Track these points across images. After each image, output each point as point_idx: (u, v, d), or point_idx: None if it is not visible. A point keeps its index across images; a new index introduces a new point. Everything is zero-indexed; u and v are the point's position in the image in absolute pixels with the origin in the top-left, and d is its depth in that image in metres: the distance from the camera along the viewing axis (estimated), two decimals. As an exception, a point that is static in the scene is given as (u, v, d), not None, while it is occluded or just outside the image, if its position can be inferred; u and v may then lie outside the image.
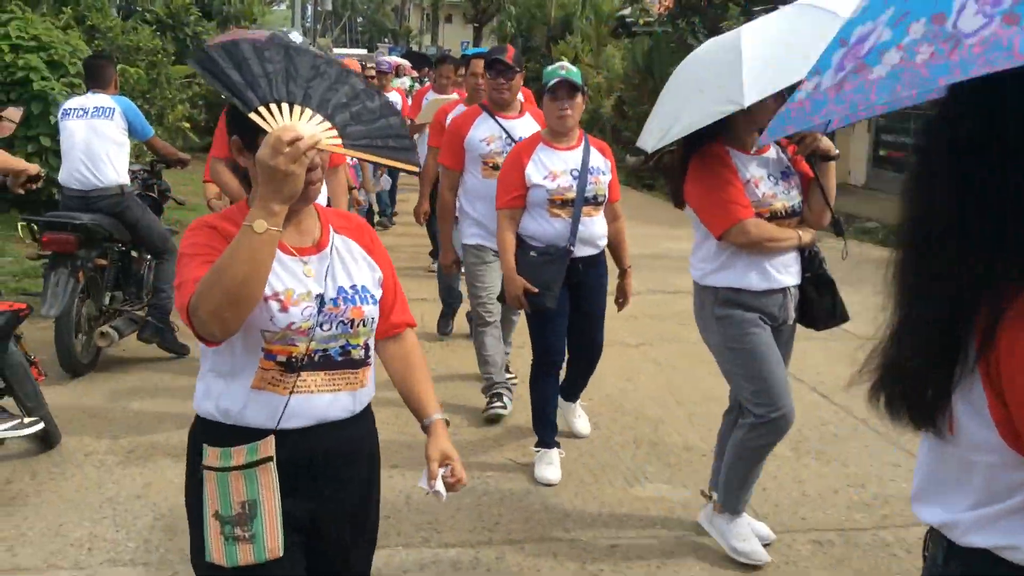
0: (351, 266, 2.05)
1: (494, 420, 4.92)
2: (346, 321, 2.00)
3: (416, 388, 2.25)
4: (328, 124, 1.83)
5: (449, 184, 4.98)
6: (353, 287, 2.03)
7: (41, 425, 4.22)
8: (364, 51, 63.66)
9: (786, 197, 3.33)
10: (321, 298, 1.95)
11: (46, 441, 4.45)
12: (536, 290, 4.06)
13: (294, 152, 1.70)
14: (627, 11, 20.82)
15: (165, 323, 5.81)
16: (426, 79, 18.68)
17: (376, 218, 10.05)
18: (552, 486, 4.16)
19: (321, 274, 1.98)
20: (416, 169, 2.01)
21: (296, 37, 3.94)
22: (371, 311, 2.06)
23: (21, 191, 4.28)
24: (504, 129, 4.85)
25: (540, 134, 4.26)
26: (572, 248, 4.10)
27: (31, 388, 4.24)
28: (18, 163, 4.15)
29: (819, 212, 3.38)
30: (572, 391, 4.68)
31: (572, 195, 4.10)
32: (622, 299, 4.50)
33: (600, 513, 3.95)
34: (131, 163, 6.02)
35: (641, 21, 19.12)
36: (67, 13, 12.08)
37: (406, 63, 20.04)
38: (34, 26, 9.25)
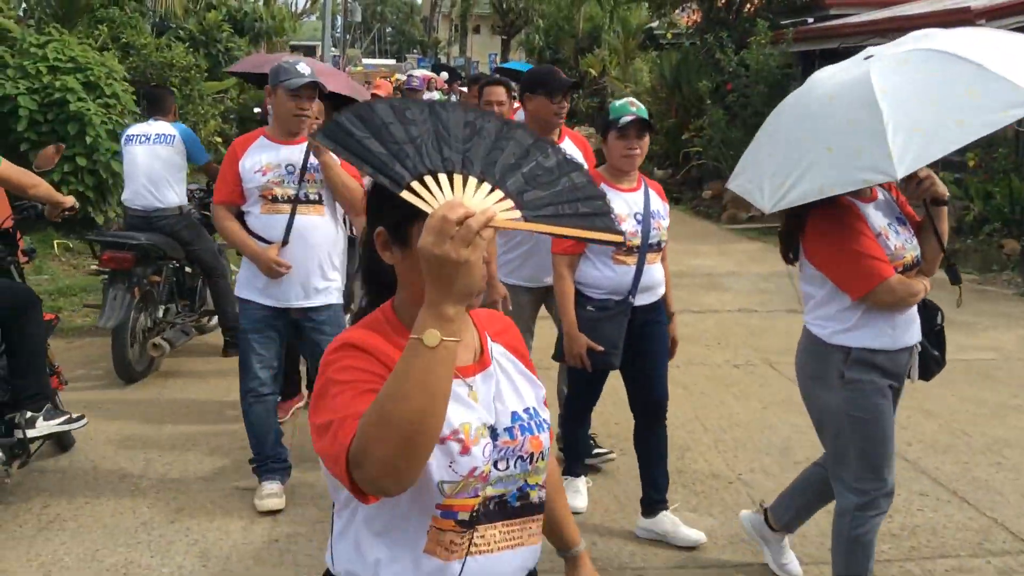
0: (518, 383, 1.67)
1: None
2: (524, 456, 1.62)
3: (559, 514, 1.86)
4: (500, 193, 1.45)
5: None
6: (527, 411, 1.66)
7: (85, 421, 4.43)
8: (392, 61, 64.20)
9: (912, 247, 3.10)
10: (493, 429, 1.57)
11: (62, 444, 4.74)
12: (601, 348, 3.77)
13: (465, 234, 1.31)
14: (655, 24, 20.83)
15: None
16: (454, 95, 18.80)
17: None
18: (579, 514, 4.19)
19: (488, 398, 1.61)
20: (621, 239, 1.54)
21: (304, 69, 4.00)
22: (547, 440, 1.67)
23: (58, 220, 4.55)
24: None
25: (600, 173, 3.91)
26: (633, 299, 3.83)
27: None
28: (59, 196, 4.41)
29: (933, 260, 3.16)
30: (657, 494, 4.02)
31: (637, 241, 3.81)
32: (670, 347, 4.13)
33: (626, 542, 3.97)
34: (189, 183, 6.48)
35: (669, 35, 19.12)
36: (103, 32, 12.31)
37: (434, 76, 20.16)
38: (71, 48, 9.42)
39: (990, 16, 10.38)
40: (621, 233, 1.54)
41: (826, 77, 3.13)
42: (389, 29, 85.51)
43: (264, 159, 4.08)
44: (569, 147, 4.53)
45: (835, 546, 3.24)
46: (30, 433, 4.11)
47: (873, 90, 2.82)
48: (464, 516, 1.54)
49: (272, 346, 4.20)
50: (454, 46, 57.27)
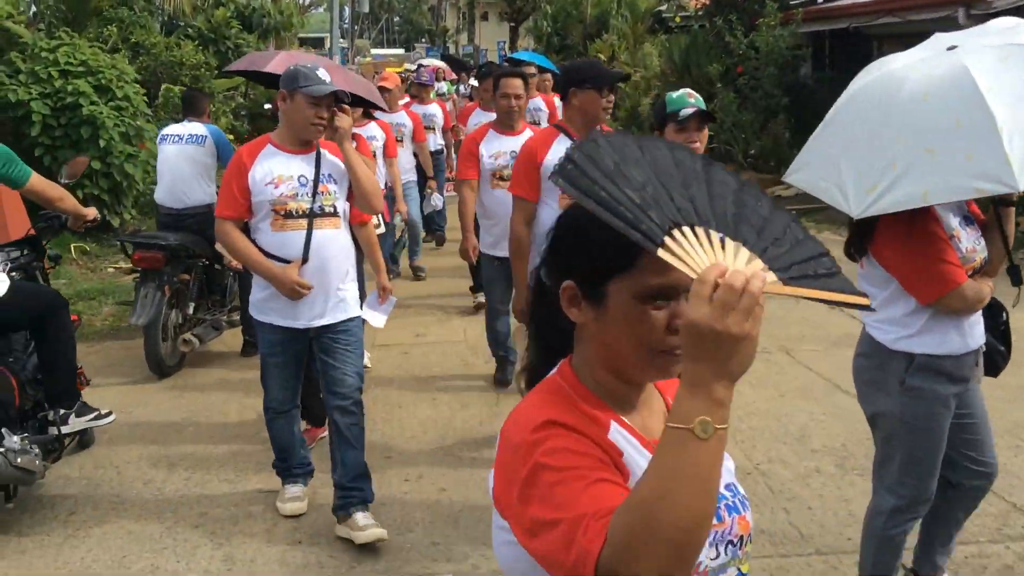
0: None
1: None
2: (734, 540, 1.42)
3: None
4: (748, 253, 1.22)
5: (524, 217, 4.38)
6: (728, 487, 1.46)
7: (113, 417, 4.54)
8: (401, 51, 64.02)
9: (980, 249, 2.97)
10: None
11: (83, 442, 4.92)
12: None
13: (749, 304, 1.11)
14: (663, 7, 20.72)
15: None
16: (462, 85, 18.77)
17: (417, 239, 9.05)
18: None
19: None
20: (868, 302, 1.27)
21: (324, 75, 3.77)
22: (751, 519, 1.48)
23: (80, 230, 4.78)
24: None
25: None
26: None
27: None
28: (82, 209, 4.57)
29: (998, 261, 3.03)
30: None
31: None
32: None
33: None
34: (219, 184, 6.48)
35: (677, 18, 19.02)
36: (112, 33, 12.36)
37: (444, 65, 20.11)
38: (82, 51, 9.48)
39: (1002, -8, 10.27)
40: (864, 295, 1.27)
41: (907, 69, 2.90)
42: (397, 19, 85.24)
43: (276, 170, 3.79)
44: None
45: (865, 543, 3.22)
46: (64, 430, 4.27)
47: (978, 89, 2.62)
48: None
49: (292, 367, 4.06)
50: (462, 34, 57.09)
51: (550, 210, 4.29)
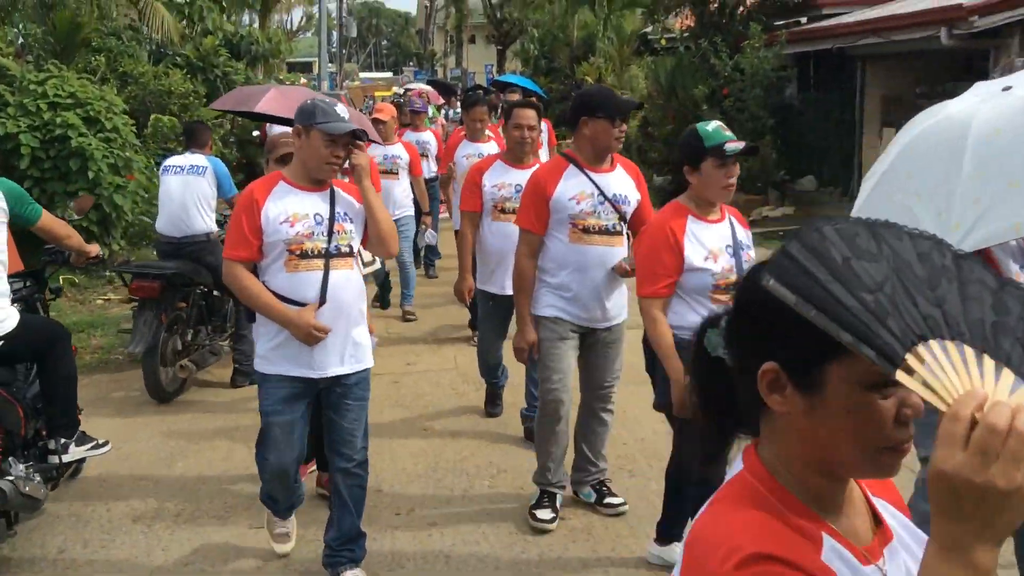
0: (915, 550, 1.22)
1: (540, 532, 4.31)
2: None
3: None
4: (1014, 377, 0.99)
5: (530, 251, 4.21)
6: None
7: (109, 446, 4.65)
8: (389, 74, 64.31)
9: None
10: None
11: (76, 470, 4.90)
12: None
13: (1017, 449, 0.89)
14: (649, 30, 20.89)
15: (250, 365, 6.14)
16: (450, 110, 18.85)
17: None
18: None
19: None
20: None
21: (343, 112, 3.60)
22: None
23: (82, 266, 5.02)
24: (597, 186, 4.14)
25: (684, 205, 3.61)
26: None
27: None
28: (86, 246, 4.73)
29: None
30: (678, 528, 3.95)
31: (733, 277, 3.54)
32: None
33: (638, 569, 3.99)
34: (218, 213, 6.79)
35: (663, 41, 19.17)
36: (100, 62, 12.39)
37: (429, 89, 20.15)
38: (71, 83, 9.50)
39: (982, 12, 10.40)
40: None
41: (967, 111, 2.84)
42: (385, 42, 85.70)
43: (290, 208, 3.56)
44: (621, 176, 4.25)
45: None
46: (64, 458, 4.38)
47: None
48: None
49: (299, 426, 3.74)
50: (450, 57, 57.40)
51: (558, 243, 4.17)
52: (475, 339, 6.89)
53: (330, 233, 3.59)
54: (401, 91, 24.50)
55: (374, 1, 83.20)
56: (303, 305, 3.53)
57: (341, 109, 3.56)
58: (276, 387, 3.64)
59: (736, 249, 3.59)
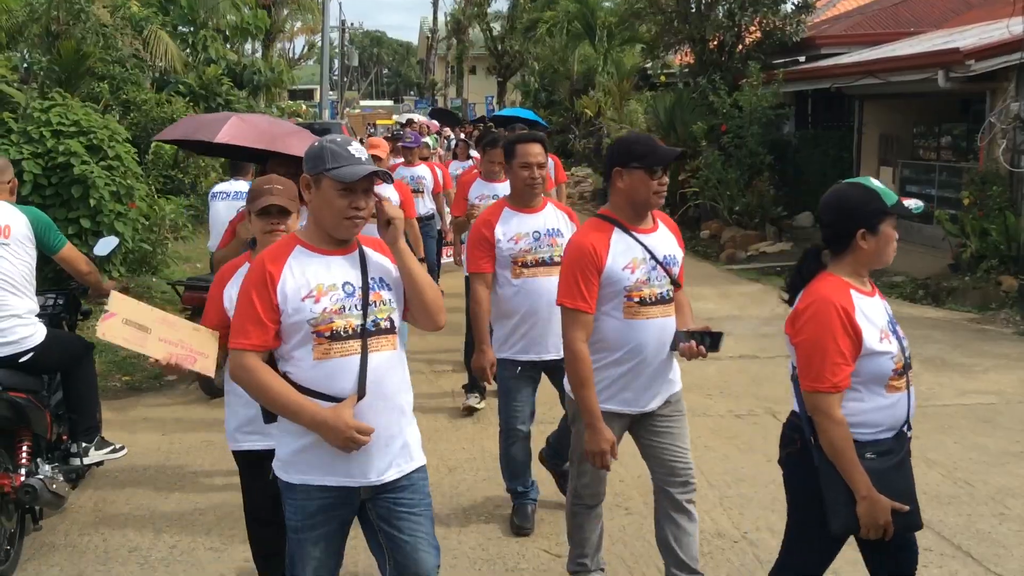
0: None
1: None
2: None
3: None
4: None
5: (587, 334, 3.57)
6: None
7: (125, 451, 5.11)
8: (390, 103, 64.66)
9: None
10: None
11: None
12: (905, 507, 2.93)
13: None
14: (648, 65, 21.10)
15: None
16: (453, 139, 18.96)
17: None
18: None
19: None
20: None
21: (359, 152, 2.91)
22: None
23: (94, 302, 5.34)
24: (647, 249, 3.60)
25: (843, 279, 3.03)
26: (909, 432, 3.09)
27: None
28: (103, 285, 4.97)
29: None
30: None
31: (902, 361, 3.03)
32: None
33: (634, 608, 3.98)
34: None
35: (662, 77, 19.36)
36: (103, 90, 12.50)
37: (426, 120, 20.20)
38: (74, 112, 9.56)
39: (978, 57, 10.53)
40: None
41: None
42: (386, 71, 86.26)
43: (312, 278, 2.85)
44: (665, 235, 3.72)
45: None
46: (85, 461, 4.85)
47: None
48: None
49: (336, 540, 3.00)
50: (450, 87, 57.82)
51: (612, 321, 3.57)
52: (467, 402, 6.59)
53: (365, 306, 2.88)
54: (403, 119, 24.61)
55: (376, 30, 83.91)
56: (337, 400, 2.82)
57: (356, 148, 2.88)
58: (304, 499, 2.91)
59: (892, 322, 3.07)
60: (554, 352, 4.42)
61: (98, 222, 9.13)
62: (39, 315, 4.64)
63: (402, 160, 9.57)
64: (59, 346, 4.67)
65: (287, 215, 3.48)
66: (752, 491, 5.16)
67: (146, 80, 14.96)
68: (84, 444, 4.83)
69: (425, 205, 9.11)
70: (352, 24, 71.82)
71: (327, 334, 2.82)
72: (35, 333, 4.49)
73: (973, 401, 6.64)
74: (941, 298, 10.28)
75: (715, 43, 16.40)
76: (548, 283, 4.33)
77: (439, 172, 9.53)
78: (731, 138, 14.64)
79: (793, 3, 15.97)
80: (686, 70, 17.86)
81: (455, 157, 12.39)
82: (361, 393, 2.82)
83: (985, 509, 4.91)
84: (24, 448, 4.42)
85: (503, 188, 5.91)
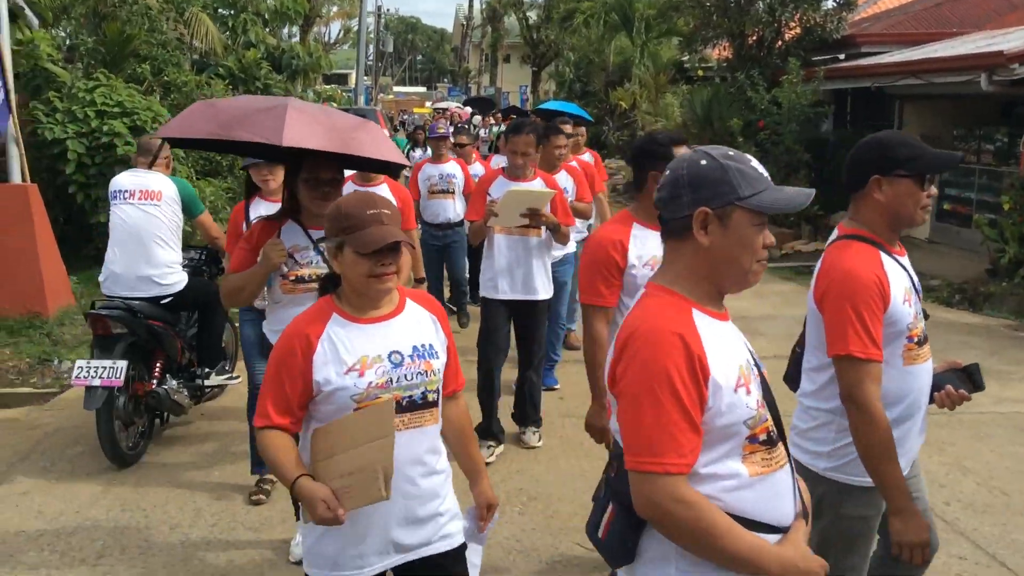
0: None
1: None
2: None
3: None
4: None
5: (878, 390, 2.83)
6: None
7: (239, 379, 5.87)
8: (423, 89, 64.67)
9: None
10: None
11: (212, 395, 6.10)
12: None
13: None
14: (686, 59, 21.00)
15: None
16: (491, 127, 18.91)
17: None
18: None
19: None
20: None
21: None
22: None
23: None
24: (910, 277, 3.08)
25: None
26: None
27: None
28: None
29: None
30: None
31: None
32: None
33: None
34: None
35: (700, 71, 19.26)
36: (145, 71, 12.61)
37: (455, 107, 20.02)
38: (118, 92, 9.70)
39: (1023, 60, 10.40)
40: None
41: None
42: (420, 57, 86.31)
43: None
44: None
45: None
46: (207, 382, 5.85)
47: None
48: None
49: None
50: (484, 75, 57.78)
51: (893, 372, 2.77)
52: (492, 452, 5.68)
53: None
54: (443, 107, 24.48)
55: (411, 16, 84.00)
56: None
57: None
58: None
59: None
60: None
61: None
62: (184, 266, 5.70)
63: (428, 155, 8.94)
64: (196, 292, 5.67)
65: (399, 253, 2.58)
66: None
67: (186, 62, 15.07)
68: (207, 369, 5.86)
69: (455, 209, 8.10)
70: (387, 10, 72.01)
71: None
72: (179, 280, 5.56)
73: (1010, 409, 6.59)
74: (978, 303, 10.19)
75: (754, 38, 16.30)
76: None
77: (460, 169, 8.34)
78: (768, 135, 14.56)
79: (834, 0, 15.85)
80: (724, 65, 17.77)
81: (493, 151, 12.06)
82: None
83: (1021, 520, 4.89)
84: (158, 365, 5.60)
85: (533, 188, 5.46)
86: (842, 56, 16.03)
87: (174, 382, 5.61)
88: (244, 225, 4.77)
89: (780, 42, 16.13)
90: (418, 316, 2.68)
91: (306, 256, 3.70)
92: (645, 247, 3.46)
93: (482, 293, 5.75)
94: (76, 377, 5.19)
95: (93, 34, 12.14)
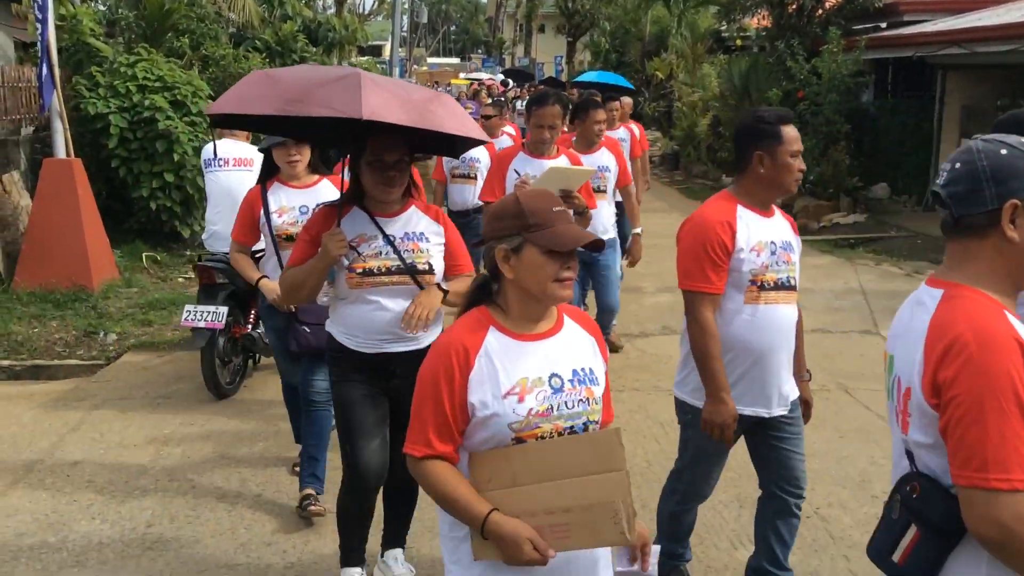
0: None
1: None
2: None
3: None
4: None
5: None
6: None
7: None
8: (456, 60, 64.44)
9: None
10: None
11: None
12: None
13: None
14: (723, 28, 20.73)
15: None
16: (521, 101, 18.86)
17: None
18: None
19: None
20: None
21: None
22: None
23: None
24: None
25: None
26: None
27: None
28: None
29: None
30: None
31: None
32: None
33: (705, 576, 4.06)
34: None
35: (738, 41, 19.01)
36: (184, 44, 12.71)
37: (488, 79, 19.86)
38: (159, 67, 9.79)
39: (1073, 28, 10.17)
40: None
41: None
42: (454, 28, 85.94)
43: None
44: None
45: None
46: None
47: None
48: None
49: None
50: (519, 46, 57.45)
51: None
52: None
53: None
54: (484, 77, 24.20)
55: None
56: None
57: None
58: None
59: None
60: (779, 407, 3.43)
61: (181, 176, 9.39)
62: None
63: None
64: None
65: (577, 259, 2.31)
66: (823, 467, 5.17)
67: (224, 35, 15.15)
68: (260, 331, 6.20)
69: (476, 195, 7.34)
70: (422, -20, 71.61)
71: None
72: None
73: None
74: (1021, 277, 10.05)
75: (794, 7, 16.04)
76: (785, 311, 3.37)
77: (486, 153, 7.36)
78: (808, 105, 14.35)
79: (876, -33, 15.54)
80: (763, 34, 17.52)
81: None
82: None
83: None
84: (252, 312, 6.09)
85: (558, 165, 5.02)
86: (884, 25, 15.74)
87: (261, 328, 5.99)
88: (262, 213, 4.53)
89: (820, 10, 15.85)
90: (577, 336, 2.37)
91: (373, 246, 3.41)
92: (752, 231, 3.27)
93: None
94: (184, 319, 5.89)
95: (133, 8, 12.24)
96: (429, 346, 2.84)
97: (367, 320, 3.45)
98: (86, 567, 4.08)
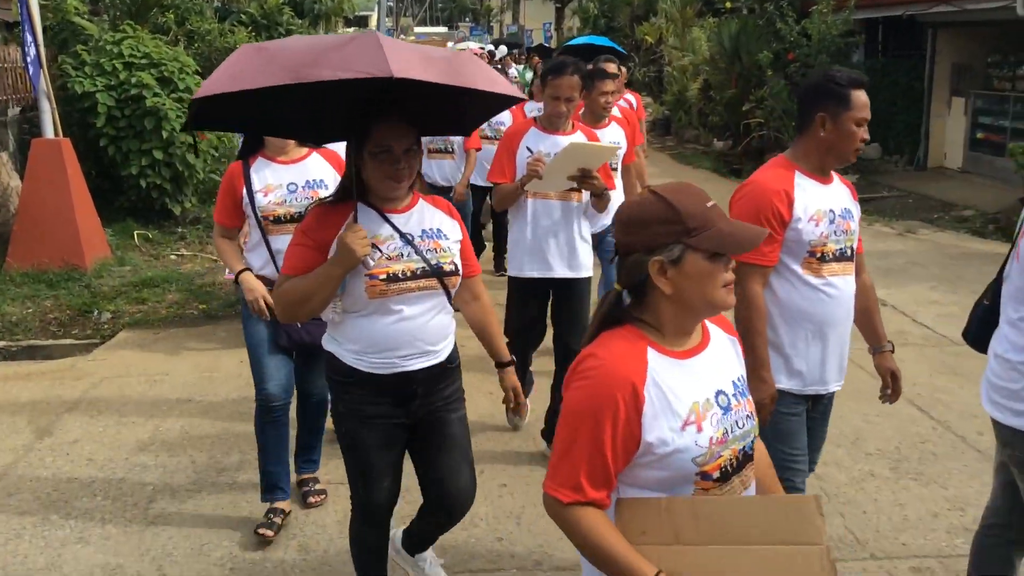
0: None
1: None
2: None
3: None
4: None
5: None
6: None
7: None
8: (444, 29, 63.93)
9: None
10: None
11: None
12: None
13: None
14: (712, -9, 20.59)
15: None
16: (512, 68, 18.74)
17: None
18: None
19: None
20: None
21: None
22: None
23: None
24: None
25: None
26: None
27: None
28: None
29: None
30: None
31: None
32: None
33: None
34: None
35: (728, 3, 18.88)
36: (169, 19, 12.59)
37: (476, 47, 19.66)
38: (145, 44, 9.71)
39: (1062, -18, 10.13)
40: None
41: None
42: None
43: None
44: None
45: None
46: None
47: None
48: None
49: None
50: (506, 13, 57.01)
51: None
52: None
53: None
54: (463, 47, 24.18)
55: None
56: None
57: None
58: None
59: None
60: (835, 383, 3.28)
61: (170, 153, 9.35)
62: None
63: None
64: None
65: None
66: (837, 471, 5.19)
67: (209, 10, 15.00)
68: None
69: (452, 170, 7.41)
70: (407, -51, 70.88)
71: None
72: None
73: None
74: (1012, 233, 10.07)
75: (783, -32, 15.93)
76: (845, 284, 3.20)
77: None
78: (798, 67, 14.31)
79: (866, -75, 15.42)
80: (751, -2, 17.43)
81: (531, 97, 11.68)
82: None
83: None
84: None
85: (566, 142, 4.48)
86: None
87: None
88: (245, 193, 3.96)
89: (810, -29, 15.77)
90: (723, 342, 2.10)
91: (392, 247, 2.91)
92: (811, 199, 3.05)
93: (512, 273, 4.78)
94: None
95: (117, -15, 12.11)
96: (449, 359, 2.99)
97: (386, 334, 2.93)
98: (89, 543, 4.12)
